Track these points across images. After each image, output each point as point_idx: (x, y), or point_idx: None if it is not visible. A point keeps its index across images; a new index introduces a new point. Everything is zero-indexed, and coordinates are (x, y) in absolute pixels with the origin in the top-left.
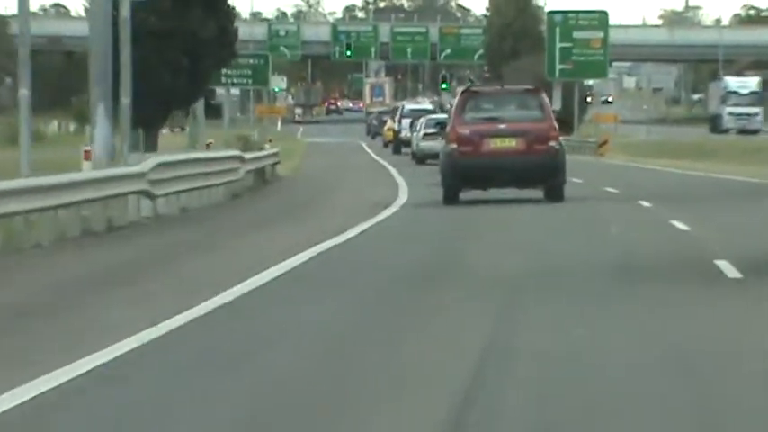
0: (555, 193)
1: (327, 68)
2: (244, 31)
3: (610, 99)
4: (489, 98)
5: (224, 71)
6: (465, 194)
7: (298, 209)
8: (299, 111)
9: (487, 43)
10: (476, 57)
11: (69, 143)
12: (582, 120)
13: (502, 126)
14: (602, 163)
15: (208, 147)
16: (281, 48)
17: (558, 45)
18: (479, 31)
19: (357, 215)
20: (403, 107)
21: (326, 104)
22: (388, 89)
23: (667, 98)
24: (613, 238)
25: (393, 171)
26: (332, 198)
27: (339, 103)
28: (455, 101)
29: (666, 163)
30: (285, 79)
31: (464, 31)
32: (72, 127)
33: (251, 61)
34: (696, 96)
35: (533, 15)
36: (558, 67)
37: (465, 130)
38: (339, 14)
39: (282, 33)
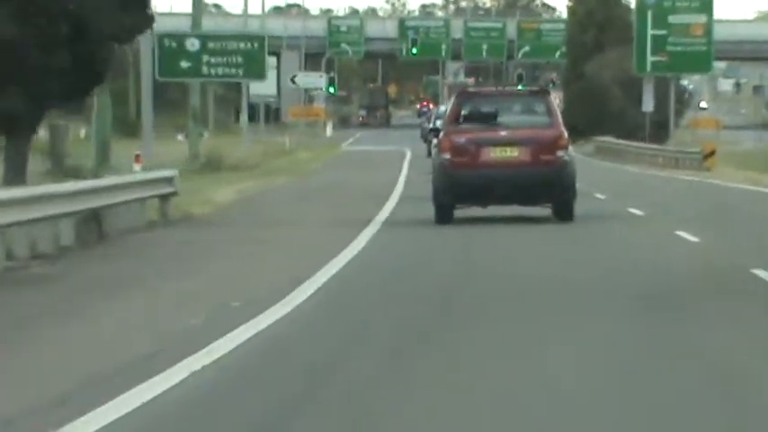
0: (563, 211)
1: (403, 69)
2: (295, 26)
3: (703, 104)
4: (488, 100)
5: (205, 58)
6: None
7: None
8: (362, 113)
9: (569, 36)
10: (557, 54)
11: None
12: (678, 125)
13: (503, 133)
14: (713, 185)
15: None
16: (342, 45)
17: (650, 32)
18: (561, 25)
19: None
20: (438, 109)
21: (420, 107)
22: None
23: None
24: None
25: (396, 195)
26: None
27: (431, 106)
28: (449, 103)
29: None
30: (324, 76)
31: (544, 26)
32: (83, 132)
33: (241, 45)
34: None
35: (619, 2)
36: (650, 59)
37: (460, 138)
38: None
39: (344, 29)
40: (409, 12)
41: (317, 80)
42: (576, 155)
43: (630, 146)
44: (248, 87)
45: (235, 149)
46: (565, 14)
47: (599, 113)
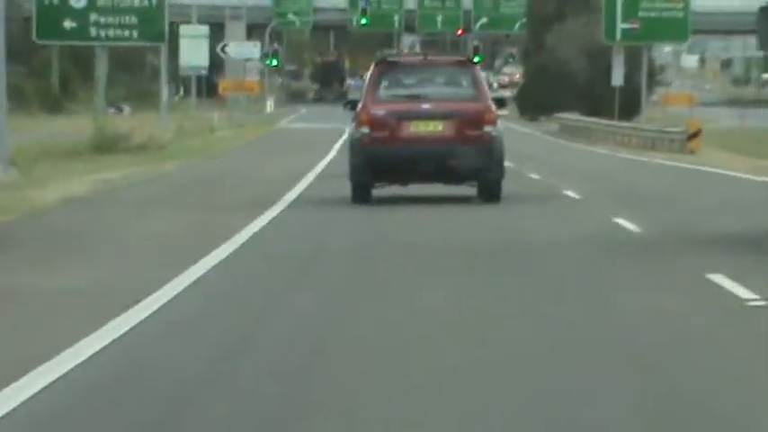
0: (490, 191)
1: (356, 43)
2: None
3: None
4: (410, 71)
5: (93, 17)
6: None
7: None
8: (315, 87)
9: (529, 5)
10: (517, 26)
11: None
12: (648, 101)
13: (425, 106)
14: (711, 175)
15: None
16: (289, 15)
17: None
18: None
19: None
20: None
21: None
22: None
23: (735, 77)
24: None
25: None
26: None
27: None
28: (368, 74)
29: None
30: (258, 46)
31: None
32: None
33: (136, 2)
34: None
35: None
36: (620, 26)
37: (378, 111)
38: None
39: None
40: None
41: (250, 50)
42: (538, 134)
43: (599, 124)
44: (166, 55)
45: (152, 126)
46: None
47: (562, 88)
